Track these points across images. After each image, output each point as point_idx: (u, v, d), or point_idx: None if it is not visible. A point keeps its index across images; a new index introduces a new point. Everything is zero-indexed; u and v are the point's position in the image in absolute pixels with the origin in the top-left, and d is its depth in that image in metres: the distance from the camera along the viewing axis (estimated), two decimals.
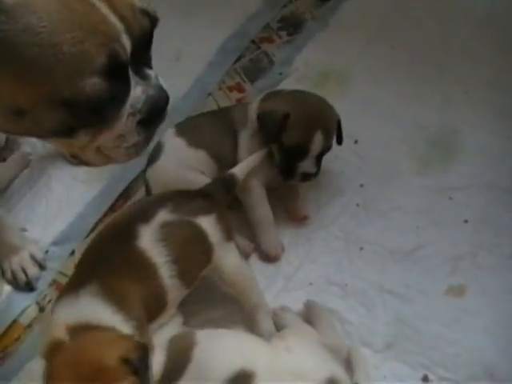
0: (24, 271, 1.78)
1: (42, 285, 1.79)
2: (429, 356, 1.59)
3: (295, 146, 1.72)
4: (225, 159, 1.76)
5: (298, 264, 1.77)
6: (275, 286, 1.73)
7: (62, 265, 1.82)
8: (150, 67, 1.16)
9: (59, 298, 1.32)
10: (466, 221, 1.81)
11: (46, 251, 1.85)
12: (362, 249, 1.78)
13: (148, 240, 1.34)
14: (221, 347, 1.35)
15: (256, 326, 1.57)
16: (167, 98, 1.16)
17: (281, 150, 1.74)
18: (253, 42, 2.29)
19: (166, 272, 1.34)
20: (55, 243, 1.86)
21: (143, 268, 1.33)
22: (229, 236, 1.50)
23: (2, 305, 1.76)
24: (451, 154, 1.95)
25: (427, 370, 1.57)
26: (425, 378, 1.56)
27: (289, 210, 1.86)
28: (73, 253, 1.84)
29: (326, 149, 1.76)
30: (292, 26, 2.32)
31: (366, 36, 2.25)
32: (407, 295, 1.69)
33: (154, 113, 1.14)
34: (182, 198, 1.46)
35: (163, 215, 1.39)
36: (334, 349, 1.48)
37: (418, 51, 2.20)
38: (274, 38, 2.30)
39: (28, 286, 1.79)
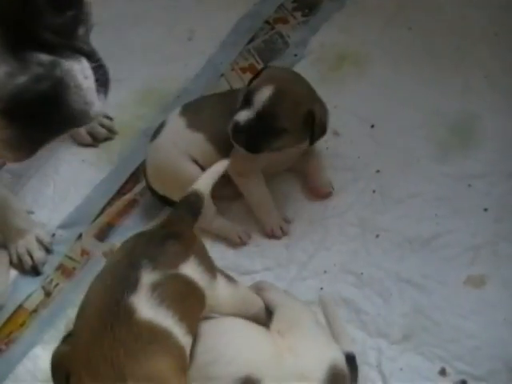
0: (30, 255, 1.76)
1: (47, 269, 1.77)
2: (447, 349, 1.54)
3: (244, 95, 1.65)
4: (224, 143, 1.70)
5: (312, 251, 1.73)
6: (288, 274, 1.70)
7: (69, 248, 1.80)
8: (49, 51, 0.99)
9: None
10: (485, 209, 1.76)
11: (53, 234, 1.83)
12: (378, 236, 1.73)
13: (148, 308, 1.20)
14: (225, 348, 1.30)
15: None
16: (46, 93, 0.97)
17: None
18: (267, 22, 2.24)
19: (179, 331, 1.22)
20: (62, 226, 1.84)
21: (160, 336, 1.20)
22: (213, 273, 1.37)
23: (8, 289, 1.73)
24: (471, 140, 1.89)
25: (445, 362, 1.53)
26: (442, 371, 1.52)
27: (311, 187, 1.83)
28: (80, 236, 1.81)
29: (273, 116, 1.60)
30: (307, 6, 2.27)
31: (384, 17, 2.20)
32: (425, 285, 1.64)
33: (21, 106, 0.96)
34: (152, 247, 1.29)
35: (147, 277, 1.23)
36: None
37: (437, 34, 2.14)
38: (289, 18, 2.25)
39: (34, 270, 1.76)
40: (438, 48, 2.11)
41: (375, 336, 1.58)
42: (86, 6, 1.06)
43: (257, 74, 1.69)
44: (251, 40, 2.19)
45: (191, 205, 1.41)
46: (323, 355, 1.37)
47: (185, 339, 1.22)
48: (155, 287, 1.21)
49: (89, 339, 1.17)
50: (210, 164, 1.58)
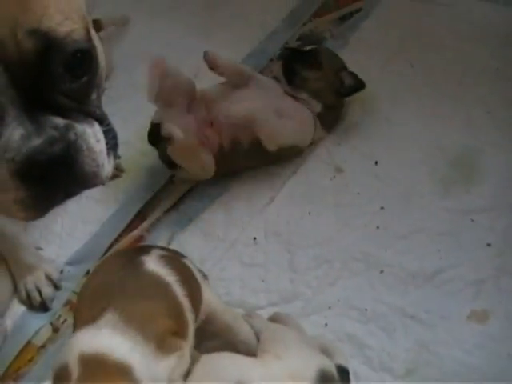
0: (39, 291, 1.77)
1: (56, 305, 1.78)
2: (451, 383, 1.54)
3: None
4: None
5: (316, 287, 1.74)
6: (293, 309, 1.70)
7: (77, 285, 1.80)
8: (63, 115, 1.00)
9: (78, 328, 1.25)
10: (488, 244, 1.77)
11: (61, 271, 1.84)
12: (382, 272, 1.74)
13: (155, 264, 1.35)
14: (215, 365, 1.34)
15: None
16: (60, 155, 0.98)
17: None
18: (271, 60, 2.28)
19: (179, 290, 1.33)
20: (70, 263, 1.85)
21: (159, 285, 1.32)
22: (204, 275, 1.56)
23: (16, 325, 1.75)
24: (473, 175, 1.91)
25: None
26: None
27: None
28: (88, 273, 1.82)
29: (317, 51, 1.97)
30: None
31: (386, 54, 2.23)
32: (428, 320, 1.64)
33: (35, 167, 0.96)
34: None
35: (157, 251, 1.41)
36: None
37: (438, 69, 2.17)
38: None
39: (42, 306, 1.77)
40: (439, 84, 2.13)
41: (379, 370, 1.58)
42: (100, 71, 1.08)
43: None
44: None
45: None
46: (311, 359, 1.39)
47: (184, 300, 1.33)
48: (162, 257, 1.38)
49: (95, 286, 1.33)
50: None
